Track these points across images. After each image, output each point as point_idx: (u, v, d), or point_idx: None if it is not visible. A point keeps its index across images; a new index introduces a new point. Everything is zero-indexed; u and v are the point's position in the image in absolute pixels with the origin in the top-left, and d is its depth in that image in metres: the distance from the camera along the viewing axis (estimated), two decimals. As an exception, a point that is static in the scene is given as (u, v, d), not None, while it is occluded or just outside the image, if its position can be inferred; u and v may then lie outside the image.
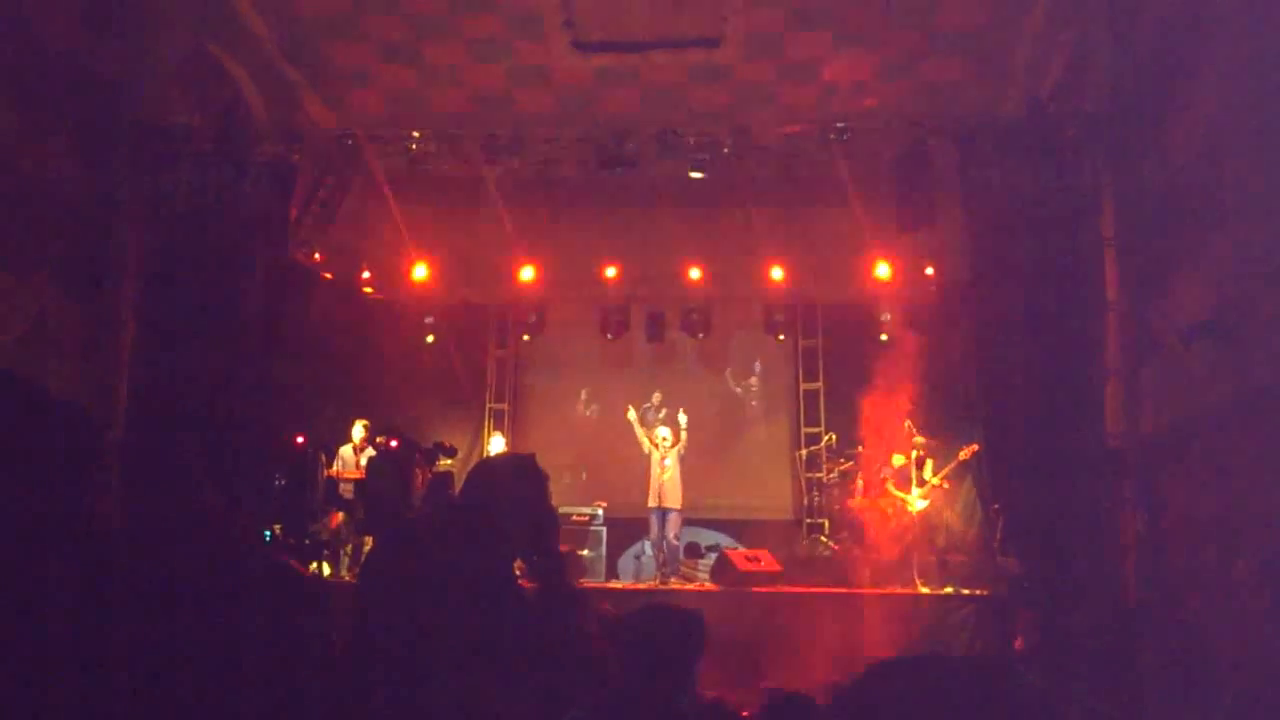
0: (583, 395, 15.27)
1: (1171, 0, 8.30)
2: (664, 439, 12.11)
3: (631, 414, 12.74)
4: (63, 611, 2.36)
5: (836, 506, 13.39)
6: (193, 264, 10.34)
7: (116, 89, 9.93)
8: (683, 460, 12.15)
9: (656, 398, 14.13)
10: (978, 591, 10.41)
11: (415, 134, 11.44)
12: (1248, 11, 7.04)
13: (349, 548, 11.96)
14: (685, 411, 12.61)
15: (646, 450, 12.29)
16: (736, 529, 14.01)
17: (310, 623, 2.84)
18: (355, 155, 11.48)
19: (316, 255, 12.43)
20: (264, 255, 10.82)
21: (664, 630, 3.48)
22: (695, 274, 13.62)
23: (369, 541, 11.24)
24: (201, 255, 10.38)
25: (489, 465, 3.45)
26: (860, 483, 12.62)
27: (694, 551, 13.03)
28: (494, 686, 2.65)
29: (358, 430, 12.32)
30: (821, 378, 14.77)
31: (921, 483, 11.45)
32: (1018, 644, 8.68)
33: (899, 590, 10.71)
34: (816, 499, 14.13)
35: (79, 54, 9.39)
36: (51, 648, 2.29)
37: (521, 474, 3.07)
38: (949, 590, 10.56)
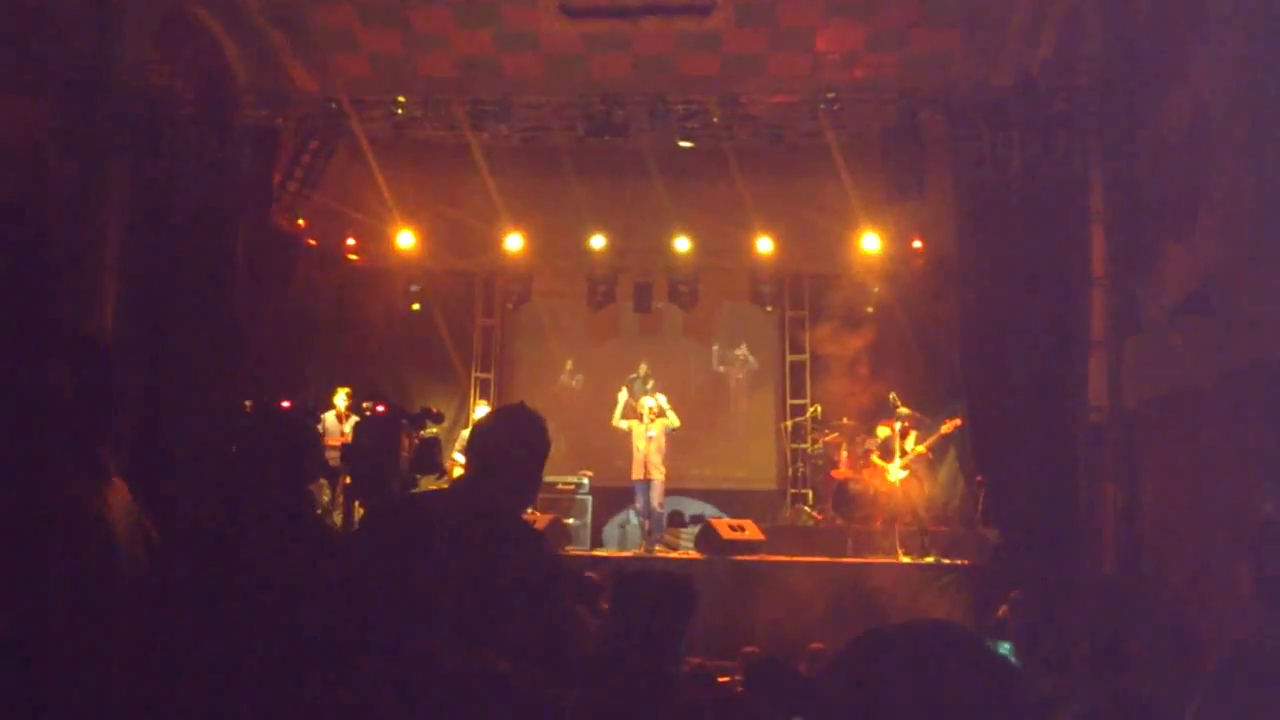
0: (568, 365, 15.24)
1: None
2: (650, 409, 12.08)
3: (622, 394, 12.66)
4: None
5: (820, 477, 13.44)
6: (175, 229, 10.25)
7: (97, 52, 9.79)
8: (671, 435, 12.13)
9: (643, 368, 14.08)
10: (959, 561, 10.48)
11: (400, 99, 11.32)
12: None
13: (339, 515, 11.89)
14: (664, 392, 12.57)
15: (625, 427, 12.23)
16: (721, 499, 14.04)
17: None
18: (339, 120, 11.35)
19: (300, 221, 12.31)
20: (247, 221, 10.72)
21: (655, 594, 3.46)
22: (683, 244, 13.57)
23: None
24: (184, 220, 10.29)
25: (505, 417, 3.29)
26: (844, 454, 12.67)
27: (676, 520, 13.06)
28: (496, 642, 2.64)
29: (340, 398, 12.24)
30: (808, 349, 14.75)
31: (904, 454, 11.49)
32: (1000, 613, 8.73)
33: (881, 559, 10.76)
34: (801, 470, 14.18)
35: (59, 16, 9.25)
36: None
37: (536, 426, 3.08)
38: (930, 560, 10.63)
